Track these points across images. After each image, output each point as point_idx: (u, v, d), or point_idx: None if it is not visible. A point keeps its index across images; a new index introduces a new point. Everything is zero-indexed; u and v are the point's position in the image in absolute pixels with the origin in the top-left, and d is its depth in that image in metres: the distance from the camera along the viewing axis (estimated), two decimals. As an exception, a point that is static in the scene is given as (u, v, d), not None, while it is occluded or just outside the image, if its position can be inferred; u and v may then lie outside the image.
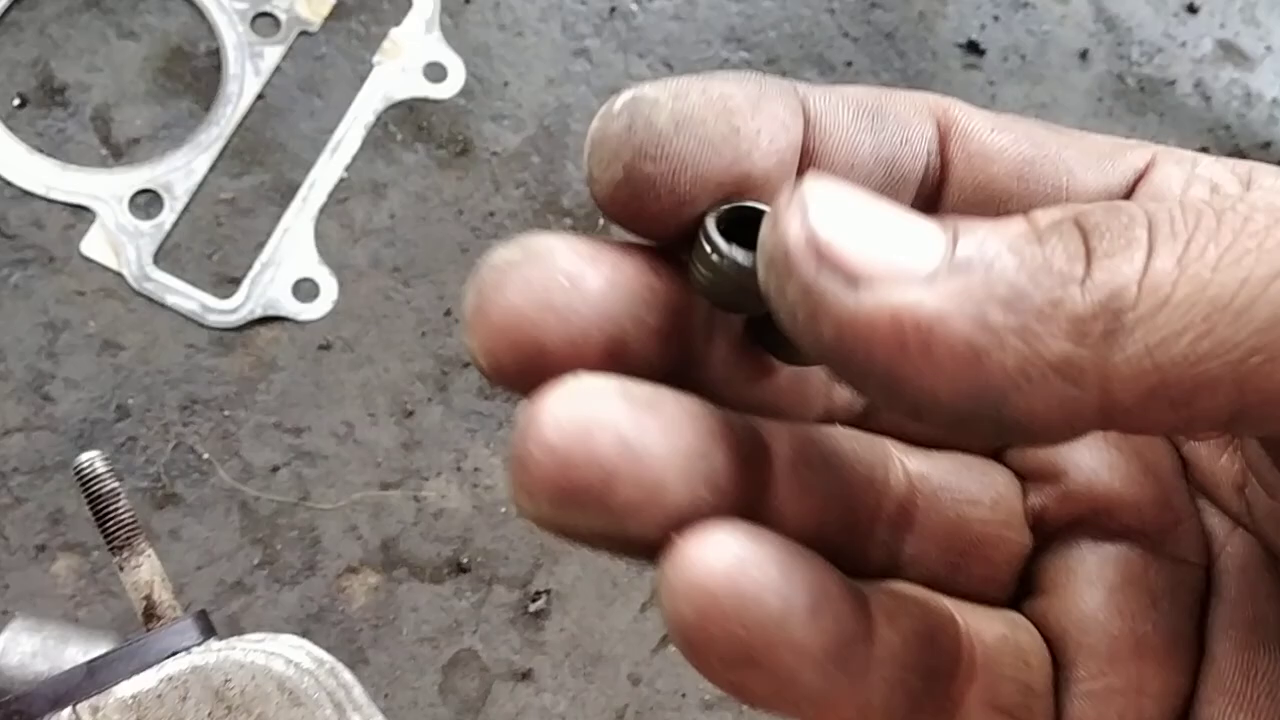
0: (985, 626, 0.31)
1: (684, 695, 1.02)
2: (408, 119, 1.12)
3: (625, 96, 0.28)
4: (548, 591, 1.02)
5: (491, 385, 0.22)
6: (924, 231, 0.24)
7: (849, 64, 1.20)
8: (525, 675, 1.01)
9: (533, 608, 1.02)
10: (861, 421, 0.32)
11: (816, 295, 0.23)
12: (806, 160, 0.28)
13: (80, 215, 1.06)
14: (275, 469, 1.03)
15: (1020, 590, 0.32)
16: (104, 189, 1.06)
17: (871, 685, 0.27)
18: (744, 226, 0.27)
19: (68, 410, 1.02)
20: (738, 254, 0.27)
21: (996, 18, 1.24)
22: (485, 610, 1.02)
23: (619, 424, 0.24)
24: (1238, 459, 0.30)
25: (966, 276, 0.23)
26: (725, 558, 0.24)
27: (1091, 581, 0.31)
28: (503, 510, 1.04)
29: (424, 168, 1.11)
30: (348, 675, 0.59)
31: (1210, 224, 0.23)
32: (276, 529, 1.01)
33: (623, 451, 0.24)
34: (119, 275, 1.04)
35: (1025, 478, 0.33)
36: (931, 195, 0.30)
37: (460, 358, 1.07)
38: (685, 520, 0.25)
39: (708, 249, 0.27)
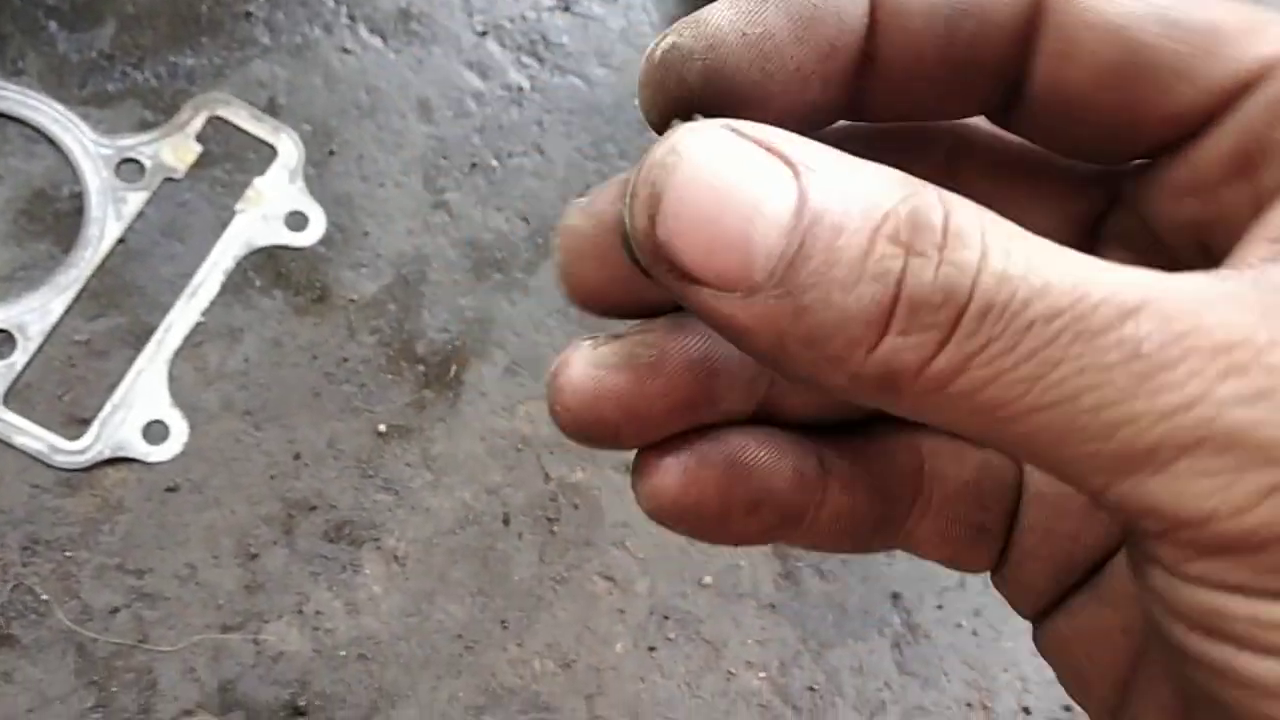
0: (952, 470, 0.34)
1: (515, 840, 1.04)
2: (267, 265, 1.16)
3: (667, 42, 0.29)
4: (383, 736, 1.04)
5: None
6: (765, 235, 0.24)
7: (698, 222, 1.27)
8: (358, 820, 1.03)
9: (368, 752, 1.04)
10: None
11: (659, 278, 0.26)
12: (873, 39, 0.29)
13: (-69, 354, 1.07)
14: (115, 611, 1.04)
15: None
16: (-43, 329, 1.07)
17: (819, 533, 0.33)
18: None
19: (-94, 549, 1.02)
20: None
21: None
22: (320, 754, 1.03)
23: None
24: None
25: (778, 305, 0.24)
26: (674, 478, 0.31)
27: None
28: (342, 654, 1.06)
29: (280, 313, 1.15)
30: None
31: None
32: (113, 671, 1.02)
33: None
34: (-34, 415, 1.06)
35: None
36: (1010, 87, 0.29)
37: (307, 501, 1.09)
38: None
39: None
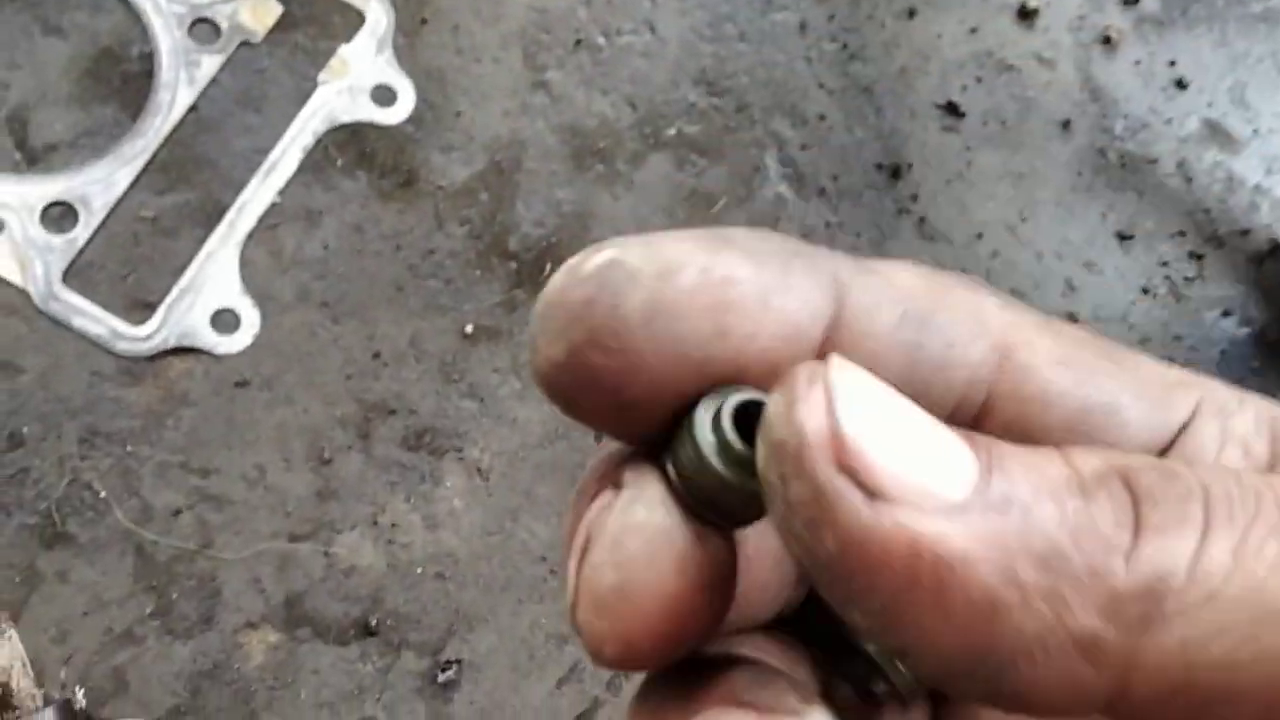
0: None
1: (596, 780, 0.97)
2: (350, 143, 1.06)
3: (603, 256, 0.23)
4: (459, 661, 0.96)
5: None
6: (957, 452, 0.21)
7: (822, 117, 1.15)
8: (429, 749, 0.96)
9: (442, 678, 0.96)
10: None
11: (827, 500, 0.20)
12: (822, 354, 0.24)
13: (-13, 224, 0.99)
14: (177, 512, 0.96)
15: None
16: (14, 198, 0.99)
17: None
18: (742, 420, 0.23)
19: (-42, 433, 0.95)
20: (741, 448, 0.23)
21: (980, 79, 1.19)
22: (391, 677, 0.96)
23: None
24: None
25: (1001, 518, 0.20)
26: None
27: None
28: (418, 571, 0.98)
29: (363, 197, 1.05)
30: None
31: (1271, 514, 0.20)
32: (173, 577, 0.95)
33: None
34: (24, 292, 0.97)
35: None
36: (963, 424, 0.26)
37: (386, 404, 1.00)
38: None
39: (702, 439, 0.23)
